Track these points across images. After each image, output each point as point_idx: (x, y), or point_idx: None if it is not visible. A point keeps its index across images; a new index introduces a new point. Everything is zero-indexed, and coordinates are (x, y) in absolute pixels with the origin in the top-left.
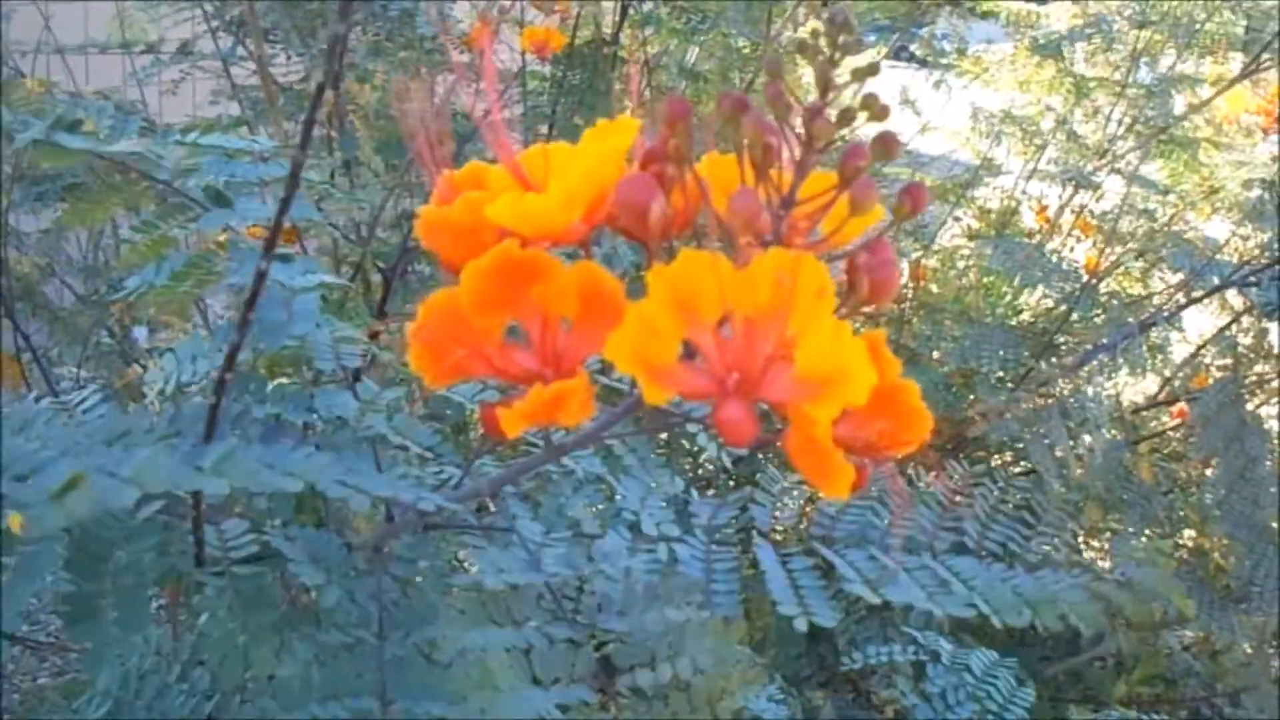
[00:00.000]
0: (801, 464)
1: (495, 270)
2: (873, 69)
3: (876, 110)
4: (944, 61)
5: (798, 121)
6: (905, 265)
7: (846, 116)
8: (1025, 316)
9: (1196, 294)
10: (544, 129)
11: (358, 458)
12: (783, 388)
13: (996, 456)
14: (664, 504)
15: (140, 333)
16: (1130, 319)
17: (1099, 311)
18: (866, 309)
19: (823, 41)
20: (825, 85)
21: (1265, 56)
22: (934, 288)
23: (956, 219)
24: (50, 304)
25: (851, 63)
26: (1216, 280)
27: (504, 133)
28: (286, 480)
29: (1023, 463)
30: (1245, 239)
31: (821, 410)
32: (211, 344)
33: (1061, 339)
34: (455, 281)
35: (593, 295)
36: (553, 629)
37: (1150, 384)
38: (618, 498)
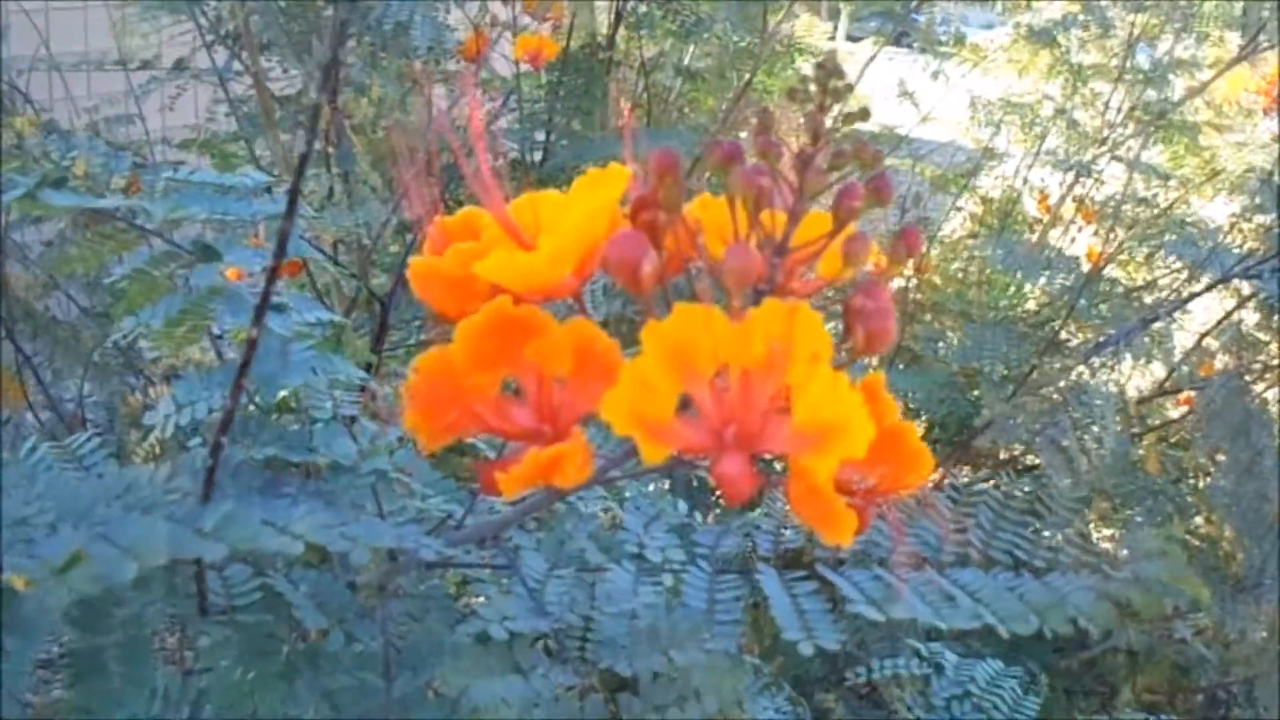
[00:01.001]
0: (803, 511)
1: (488, 328)
2: (864, 113)
3: (868, 158)
4: (941, 50)
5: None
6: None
7: (838, 163)
8: (1031, 305)
9: (1198, 288)
10: (540, 136)
11: (360, 497)
12: (781, 440)
13: (1004, 452)
14: (668, 529)
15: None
16: (1132, 313)
17: (1101, 303)
18: (862, 357)
19: (812, 87)
20: (815, 133)
21: (1262, 38)
22: (937, 279)
23: (959, 209)
24: (52, 322)
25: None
26: (1218, 272)
27: (492, 183)
28: (288, 541)
29: (1029, 458)
30: (1245, 227)
31: (821, 463)
32: (210, 382)
33: (1065, 334)
34: (449, 329)
35: (587, 353)
36: (557, 675)
37: (1156, 370)
38: (622, 527)
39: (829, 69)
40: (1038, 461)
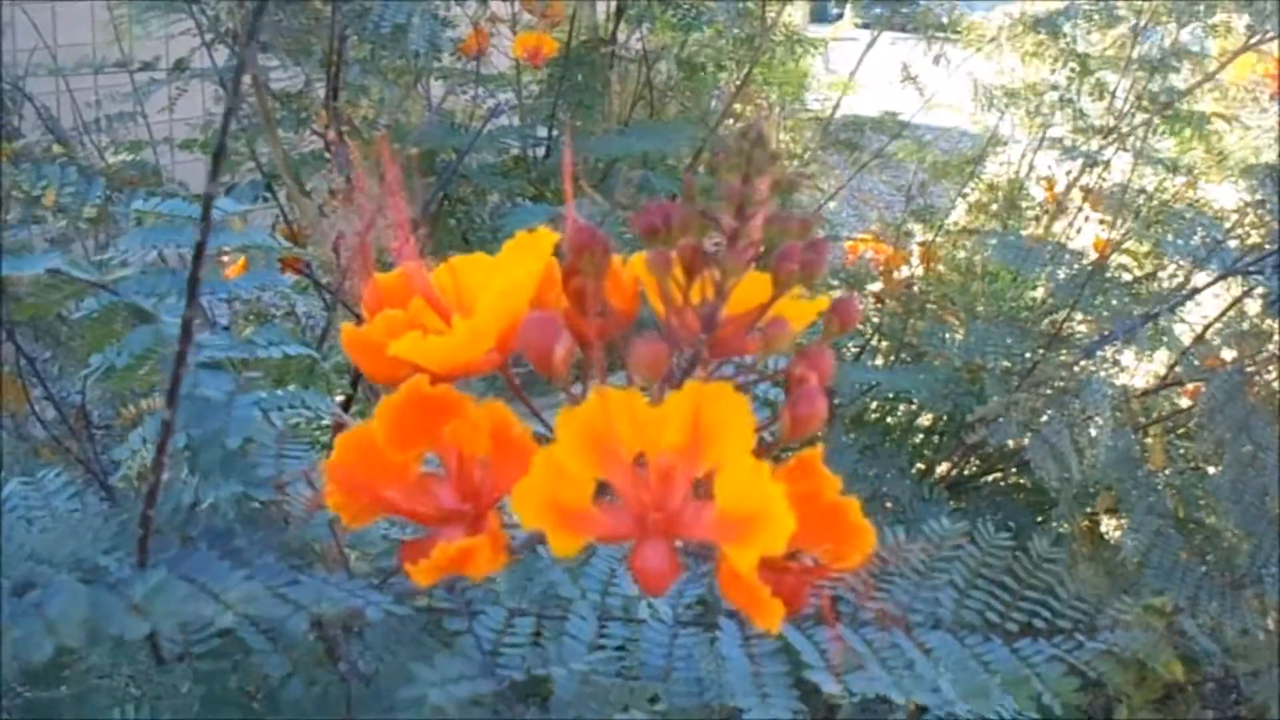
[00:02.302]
0: (731, 596)
1: (406, 406)
2: (792, 185)
3: (794, 230)
4: (939, 35)
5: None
6: (914, 249)
7: (770, 234)
8: (1039, 293)
9: (1200, 284)
10: (542, 132)
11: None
12: (703, 528)
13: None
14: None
15: None
16: (1136, 305)
17: (1104, 298)
18: (790, 442)
19: (735, 159)
20: (739, 209)
21: (1268, 26)
22: (942, 268)
23: (964, 195)
24: (55, 321)
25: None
26: (1221, 267)
27: (412, 254)
28: (219, 611)
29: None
30: (1250, 219)
31: (742, 554)
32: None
33: (1069, 327)
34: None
35: (503, 437)
36: None
37: (1159, 362)
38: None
39: (751, 139)
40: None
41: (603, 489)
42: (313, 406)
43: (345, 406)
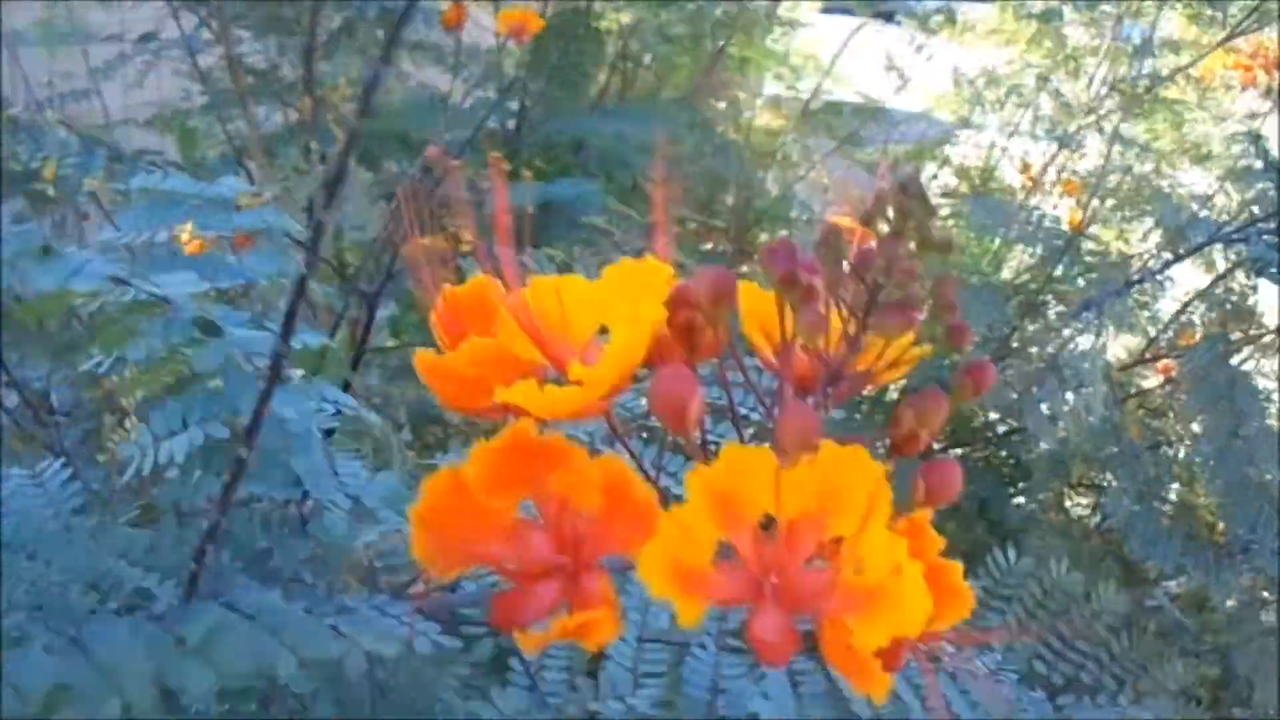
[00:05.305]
0: (837, 663)
1: (509, 453)
2: (947, 246)
3: (946, 300)
4: (929, 27)
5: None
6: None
7: (902, 294)
8: (1006, 274)
9: (1182, 251)
10: (514, 104)
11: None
12: (828, 598)
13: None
14: None
15: None
16: (1116, 274)
17: (1082, 269)
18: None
19: (892, 213)
20: (889, 264)
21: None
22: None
23: (934, 177)
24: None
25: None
26: (1204, 236)
27: (512, 273)
28: (283, 656)
29: (1000, 427)
30: (1230, 196)
31: (868, 633)
32: (191, 411)
33: (1045, 297)
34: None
35: (619, 495)
36: None
37: (1134, 341)
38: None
39: (913, 193)
40: (1014, 428)
41: (722, 549)
42: (330, 399)
43: (344, 388)
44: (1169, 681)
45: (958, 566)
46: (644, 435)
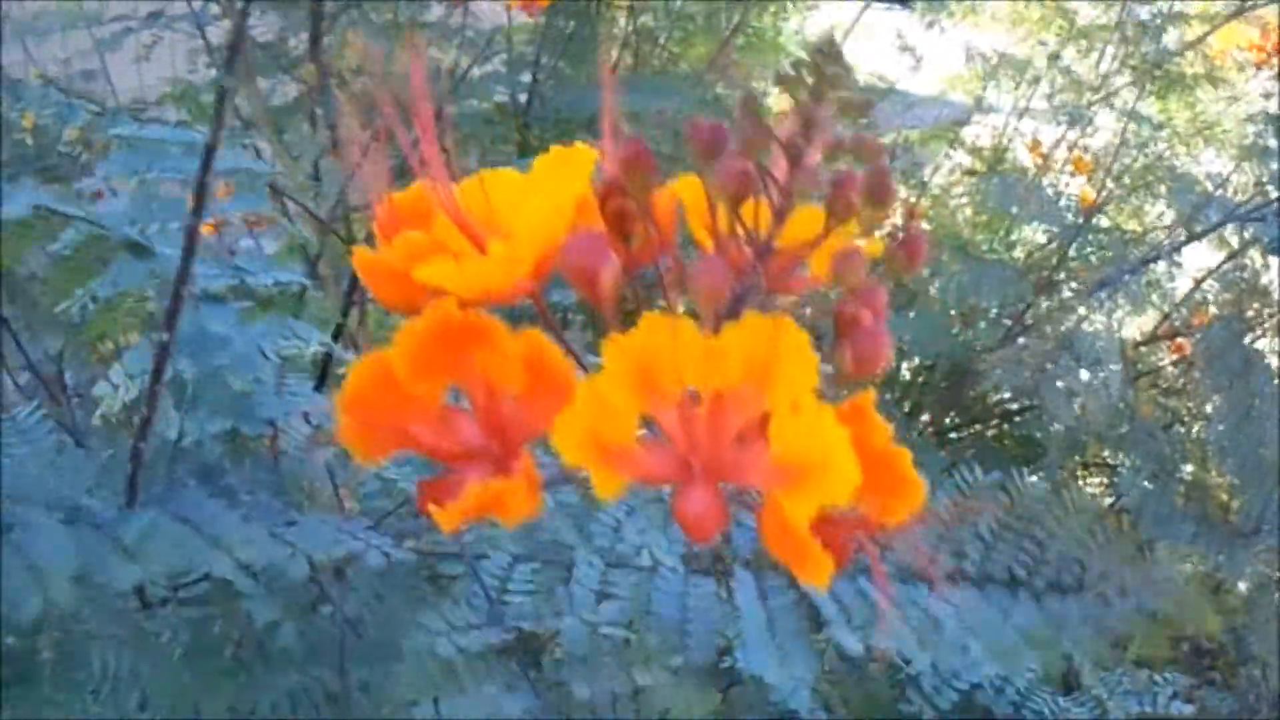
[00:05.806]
0: (776, 548)
1: (432, 334)
2: (866, 105)
3: (867, 152)
4: (940, 6)
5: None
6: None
7: (833, 155)
8: (1018, 253)
9: (1197, 230)
10: (526, 77)
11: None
12: (755, 473)
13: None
14: (649, 520)
15: None
16: (1131, 251)
17: (1095, 248)
18: (849, 383)
19: (805, 73)
20: (808, 124)
21: None
22: (926, 226)
23: (949, 156)
24: (28, 279)
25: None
26: (1216, 217)
27: (438, 164)
28: (216, 556)
29: (1014, 405)
30: (1246, 174)
31: (797, 504)
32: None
33: (1060, 275)
34: (399, 319)
35: (540, 368)
36: (514, 700)
37: (1146, 320)
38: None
39: (826, 53)
40: (1026, 406)
41: (647, 426)
42: (305, 338)
43: (335, 336)
44: (1155, 572)
45: (906, 453)
46: None
